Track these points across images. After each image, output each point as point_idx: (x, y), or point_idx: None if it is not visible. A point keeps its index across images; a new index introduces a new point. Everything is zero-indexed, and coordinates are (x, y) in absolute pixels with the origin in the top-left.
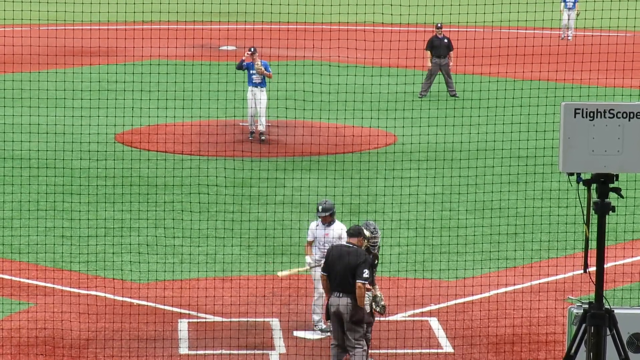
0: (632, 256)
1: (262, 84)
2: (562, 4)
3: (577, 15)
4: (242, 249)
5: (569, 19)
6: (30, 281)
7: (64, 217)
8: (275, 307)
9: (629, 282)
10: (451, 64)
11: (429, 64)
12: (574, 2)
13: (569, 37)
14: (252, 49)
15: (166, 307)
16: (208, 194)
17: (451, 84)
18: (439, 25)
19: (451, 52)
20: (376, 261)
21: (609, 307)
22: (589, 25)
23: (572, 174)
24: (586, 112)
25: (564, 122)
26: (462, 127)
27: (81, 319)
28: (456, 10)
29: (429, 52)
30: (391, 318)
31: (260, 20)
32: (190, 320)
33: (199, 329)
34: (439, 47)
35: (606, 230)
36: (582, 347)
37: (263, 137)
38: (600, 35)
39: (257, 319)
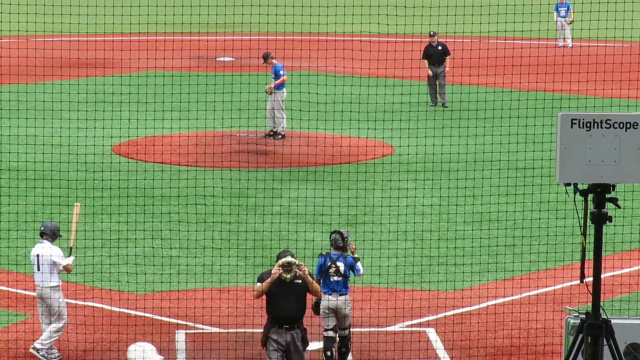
0: (629, 266)
1: (277, 87)
2: (555, 13)
3: (570, 23)
4: (239, 260)
5: (563, 29)
6: (27, 292)
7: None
8: None
9: (626, 292)
10: (447, 69)
11: (429, 72)
12: (567, 10)
13: (569, 45)
14: (264, 55)
15: (164, 318)
16: (205, 204)
17: (443, 95)
18: (432, 33)
19: (447, 57)
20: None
21: (605, 317)
22: (584, 35)
23: (569, 185)
24: (583, 123)
25: (561, 132)
26: (459, 138)
27: (79, 330)
28: (452, 21)
29: (425, 62)
30: (389, 329)
31: (257, 31)
32: (188, 331)
33: (196, 339)
34: (434, 55)
35: (603, 241)
36: (579, 358)
37: (276, 136)
38: (597, 46)
39: (254, 330)
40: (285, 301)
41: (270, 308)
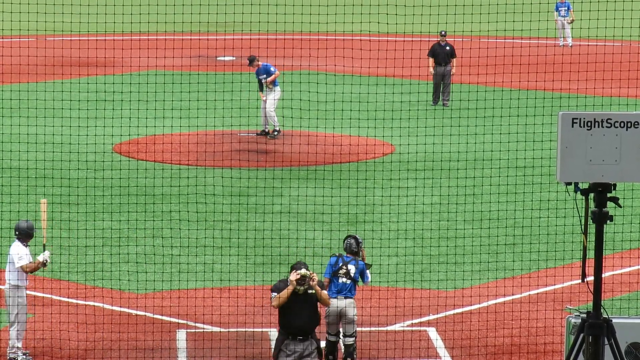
0: (630, 265)
1: (272, 83)
2: (556, 12)
3: (571, 22)
4: (240, 259)
5: (563, 28)
6: (28, 292)
7: (62, 227)
8: (273, 317)
9: (627, 291)
10: (453, 71)
11: (431, 70)
12: (567, 10)
13: (569, 44)
14: (249, 59)
15: (164, 318)
16: (206, 203)
17: (447, 94)
18: (443, 32)
19: (454, 60)
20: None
21: (606, 316)
22: (584, 34)
23: (569, 184)
24: (584, 122)
25: (562, 131)
26: (459, 137)
27: (80, 329)
28: (452, 20)
29: (431, 59)
30: (389, 328)
31: (257, 30)
32: (189, 330)
33: (197, 339)
34: (440, 55)
35: (604, 240)
36: (580, 357)
37: (273, 135)
38: (597, 45)
39: (255, 329)
40: (299, 312)
41: (284, 320)
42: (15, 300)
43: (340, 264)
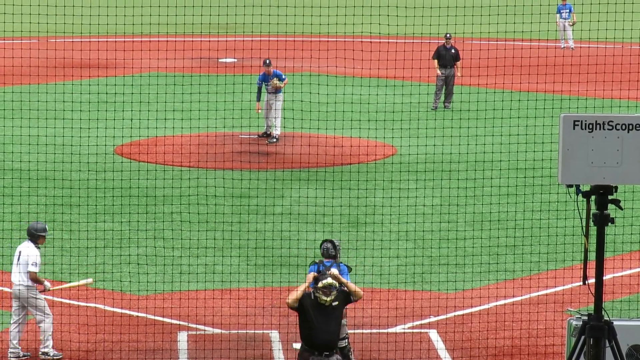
0: (631, 267)
1: (277, 91)
2: (557, 14)
3: (573, 24)
4: (241, 261)
5: (564, 30)
6: None
7: (64, 228)
8: (274, 319)
9: (628, 293)
10: (458, 74)
11: (438, 73)
12: (569, 12)
13: (571, 47)
14: (267, 61)
15: (166, 319)
16: (207, 205)
17: (449, 96)
18: (448, 35)
19: (458, 63)
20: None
21: (608, 318)
22: (586, 37)
23: (571, 186)
24: (585, 124)
25: (563, 133)
26: (460, 139)
27: (81, 330)
28: (453, 21)
29: (435, 62)
30: (390, 330)
31: (258, 32)
32: (190, 332)
33: (198, 340)
34: (445, 57)
35: (605, 242)
36: (582, 359)
37: (273, 140)
38: (597, 47)
39: (256, 331)
40: (326, 327)
41: (309, 335)
42: (34, 301)
43: (323, 269)
